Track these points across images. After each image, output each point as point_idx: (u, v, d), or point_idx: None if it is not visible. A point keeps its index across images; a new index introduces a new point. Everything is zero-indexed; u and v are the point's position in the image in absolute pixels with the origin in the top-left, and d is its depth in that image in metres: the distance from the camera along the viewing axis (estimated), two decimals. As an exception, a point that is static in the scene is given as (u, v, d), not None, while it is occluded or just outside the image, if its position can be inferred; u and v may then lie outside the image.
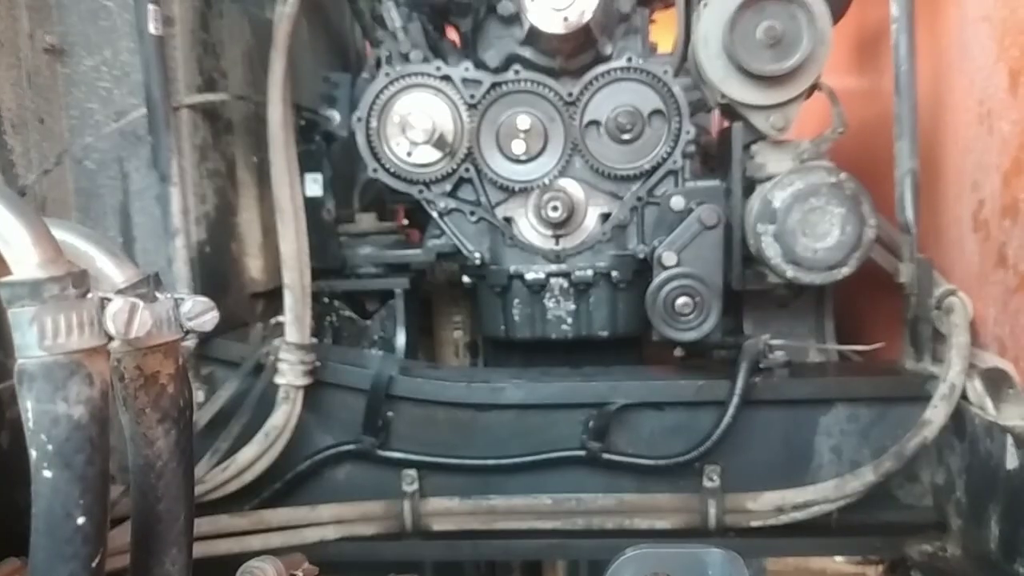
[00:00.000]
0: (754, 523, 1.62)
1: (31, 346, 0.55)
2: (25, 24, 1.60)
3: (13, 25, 1.57)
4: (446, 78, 1.77)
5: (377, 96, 1.78)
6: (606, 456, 1.65)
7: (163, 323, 0.62)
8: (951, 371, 1.53)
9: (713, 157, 1.98)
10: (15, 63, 1.58)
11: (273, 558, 1.21)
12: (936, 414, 1.52)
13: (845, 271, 1.58)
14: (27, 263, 0.55)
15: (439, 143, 1.76)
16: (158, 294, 0.62)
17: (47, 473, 0.56)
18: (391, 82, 1.77)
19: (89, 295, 0.57)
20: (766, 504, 1.61)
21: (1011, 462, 1.41)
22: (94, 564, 0.59)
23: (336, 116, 1.97)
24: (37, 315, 0.54)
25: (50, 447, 0.56)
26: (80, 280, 0.56)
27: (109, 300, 0.57)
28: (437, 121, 1.76)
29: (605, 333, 1.86)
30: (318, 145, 1.98)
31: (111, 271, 0.61)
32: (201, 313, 0.63)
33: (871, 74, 2.20)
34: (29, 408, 0.56)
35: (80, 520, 0.57)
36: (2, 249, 0.55)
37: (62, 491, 0.57)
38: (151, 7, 1.55)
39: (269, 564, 1.17)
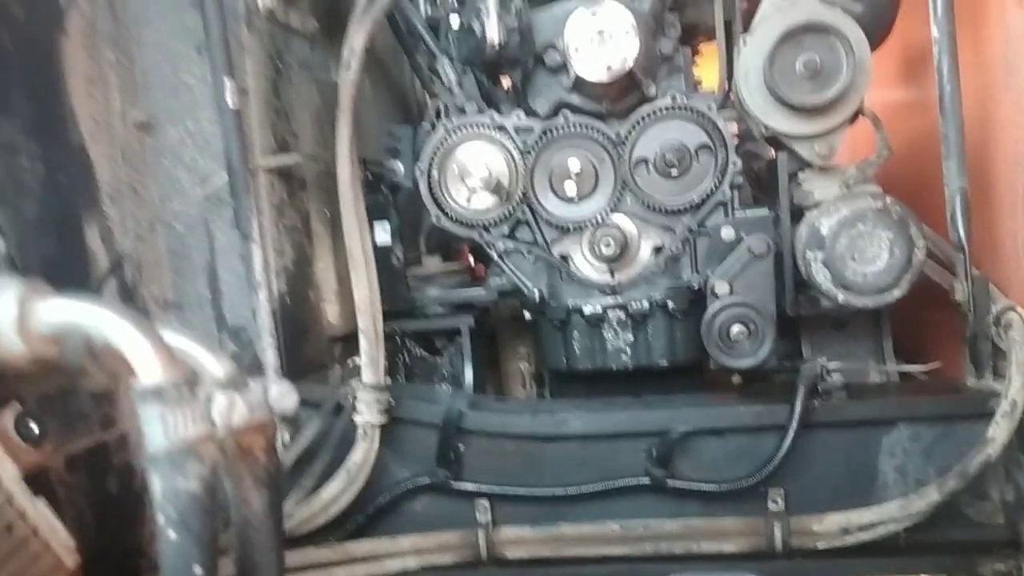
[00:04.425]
0: (820, 545, 1.64)
1: (157, 436, 0.67)
2: (117, 104, 1.76)
3: (107, 106, 1.74)
4: (500, 127, 1.87)
5: (437, 148, 1.89)
6: (671, 483, 1.70)
7: (255, 407, 0.73)
8: (1012, 388, 1.54)
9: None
10: (109, 140, 1.73)
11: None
12: (998, 431, 1.53)
13: (896, 293, 1.60)
14: (151, 371, 0.68)
15: (496, 188, 1.86)
16: (251, 382, 0.73)
17: (172, 535, 0.67)
18: (449, 134, 1.88)
19: (199, 392, 0.70)
20: (831, 526, 1.63)
21: (1077, 478, 1.41)
22: None
23: (400, 167, 2.08)
24: (161, 413, 0.67)
25: (173, 514, 0.68)
26: (191, 381, 0.70)
27: (214, 397, 0.69)
28: (493, 168, 1.86)
29: (665, 362, 1.91)
30: (385, 195, 2.10)
31: (212, 365, 0.74)
32: (283, 396, 0.75)
33: (921, 89, 2.20)
34: (157, 484, 0.68)
35: (198, 571, 0.68)
36: (132, 359, 0.68)
37: (184, 549, 0.68)
38: (227, 81, 1.69)
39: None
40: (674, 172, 1.82)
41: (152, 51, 1.77)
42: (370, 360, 1.77)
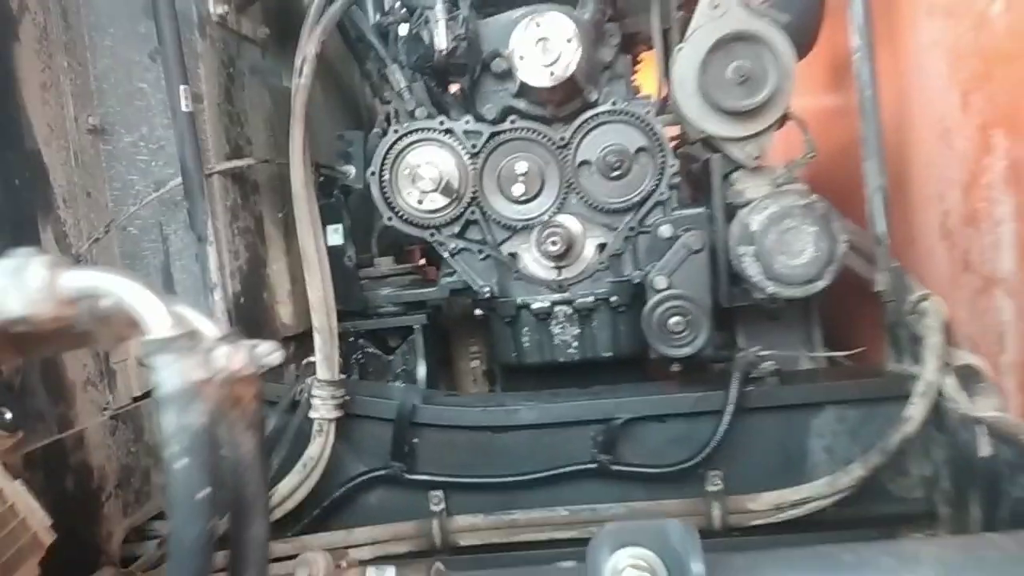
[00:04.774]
0: (756, 522, 1.75)
1: (169, 379, 0.81)
2: (71, 109, 1.78)
3: (60, 112, 1.76)
4: (449, 131, 1.95)
5: (388, 151, 1.95)
6: (615, 467, 1.78)
7: (246, 359, 0.90)
8: (927, 370, 1.66)
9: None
10: (64, 145, 1.76)
11: (324, 552, 1.44)
12: (915, 410, 1.65)
13: (821, 284, 1.72)
14: (162, 327, 0.83)
15: (446, 190, 1.93)
16: (240, 340, 0.88)
17: (180, 463, 0.80)
18: (399, 138, 1.95)
19: (200, 345, 0.85)
20: (765, 504, 1.73)
21: (984, 450, 1.54)
22: (212, 525, 0.83)
23: (352, 171, 2.14)
24: (172, 360, 0.82)
25: (182, 446, 0.80)
26: (193, 336, 0.85)
27: (213, 349, 0.86)
28: (443, 170, 1.93)
29: (609, 354, 2.01)
30: (337, 198, 2.16)
31: (208, 328, 0.90)
32: (269, 353, 0.88)
33: (845, 95, 2.34)
34: (168, 421, 0.81)
35: (201, 493, 0.81)
36: (145, 317, 0.83)
37: (191, 473, 0.80)
38: (181, 87, 1.73)
39: (320, 556, 1.40)
40: (615, 174, 1.92)
41: (106, 57, 1.80)
42: (324, 358, 1.81)
